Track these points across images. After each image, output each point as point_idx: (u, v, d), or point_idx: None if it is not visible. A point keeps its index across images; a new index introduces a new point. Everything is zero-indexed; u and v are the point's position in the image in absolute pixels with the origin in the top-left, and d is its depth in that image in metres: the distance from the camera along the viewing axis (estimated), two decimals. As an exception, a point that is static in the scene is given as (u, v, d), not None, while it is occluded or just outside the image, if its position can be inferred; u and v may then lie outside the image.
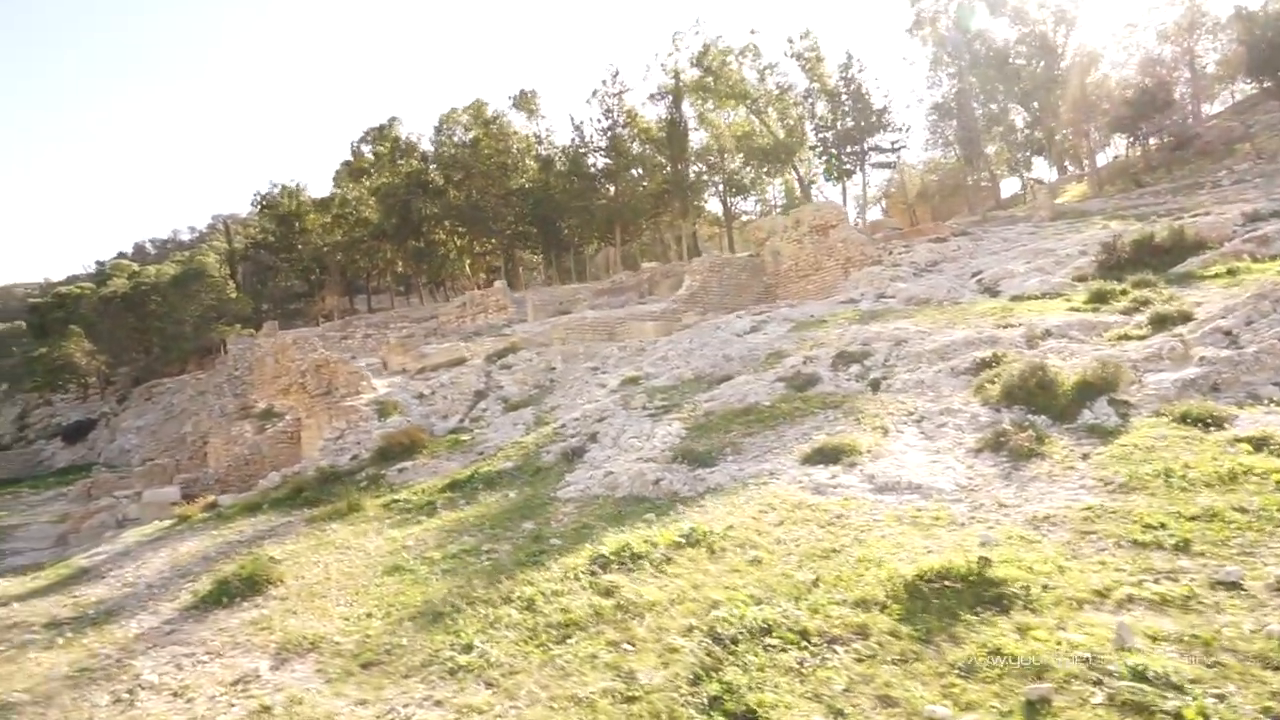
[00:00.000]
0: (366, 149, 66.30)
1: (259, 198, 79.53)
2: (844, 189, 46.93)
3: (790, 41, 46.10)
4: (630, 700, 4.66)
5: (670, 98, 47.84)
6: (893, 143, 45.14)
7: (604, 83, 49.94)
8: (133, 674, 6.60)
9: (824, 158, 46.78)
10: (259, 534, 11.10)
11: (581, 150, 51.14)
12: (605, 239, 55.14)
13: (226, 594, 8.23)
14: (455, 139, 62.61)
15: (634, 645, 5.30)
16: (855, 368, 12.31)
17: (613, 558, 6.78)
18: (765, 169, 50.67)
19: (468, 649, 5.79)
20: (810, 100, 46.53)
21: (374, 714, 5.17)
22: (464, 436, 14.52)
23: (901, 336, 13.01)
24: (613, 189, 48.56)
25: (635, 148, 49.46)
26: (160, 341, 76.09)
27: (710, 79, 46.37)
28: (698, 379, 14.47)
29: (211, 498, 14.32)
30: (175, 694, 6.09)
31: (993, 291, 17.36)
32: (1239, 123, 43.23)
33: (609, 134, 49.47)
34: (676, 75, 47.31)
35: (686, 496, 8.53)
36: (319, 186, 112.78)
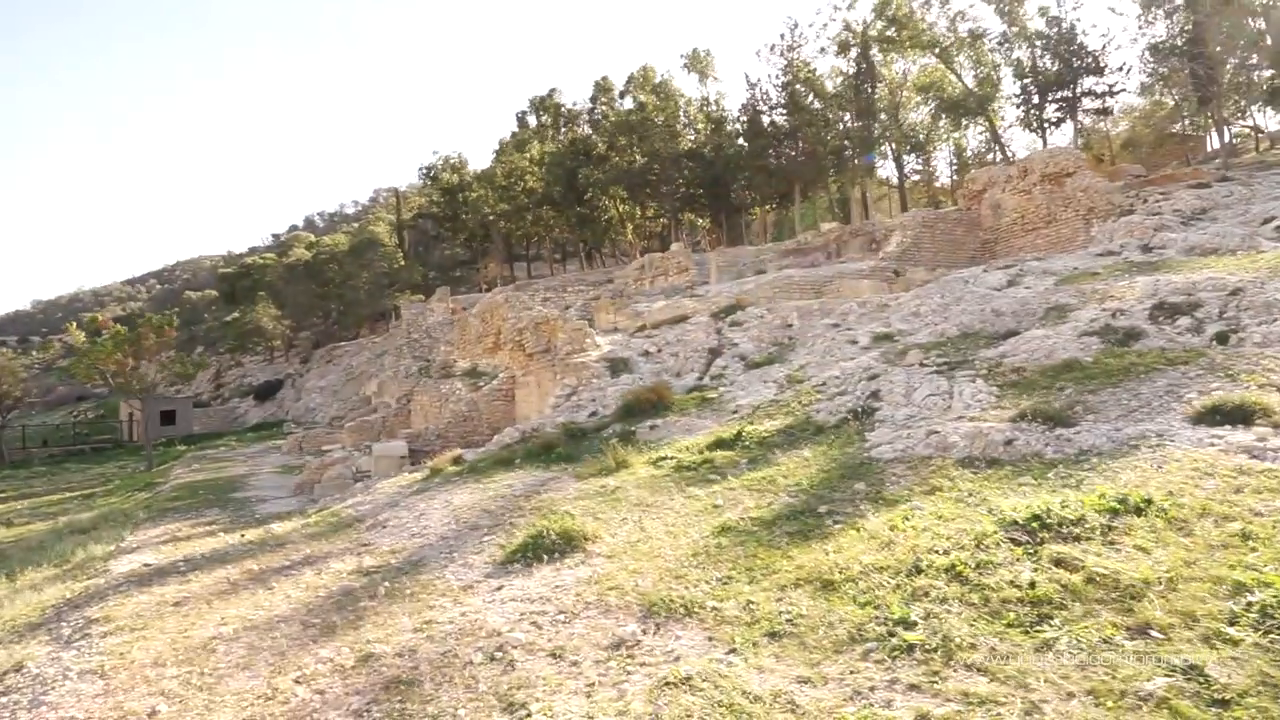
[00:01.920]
0: (531, 118, 66.96)
1: (424, 170, 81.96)
2: (1044, 139, 43.26)
3: (987, -19, 42.50)
4: (1220, 703, 3.63)
5: (857, 48, 45.23)
6: (1110, 86, 41.02)
7: (782, 36, 47.97)
8: (488, 630, 6.11)
9: (1023, 106, 43.17)
10: (530, 488, 10.69)
11: (760, 110, 49.43)
12: (783, 199, 53.38)
13: (543, 549, 7.73)
14: (618, 106, 62.28)
15: (1163, 633, 4.25)
16: (1184, 320, 10.68)
17: (1031, 524, 5.74)
18: (950, 121, 47.45)
19: (906, 624, 4.91)
20: (1007, 45, 42.92)
21: (836, 697, 4.35)
22: (710, 394, 13.78)
23: (1232, 286, 11.22)
24: (792, 149, 46.66)
25: (815, 104, 47.33)
26: (339, 306, 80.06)
27: (894, 30, 43.65)
28: (966, 335, 13.13)
29: (456, 451, 14.21)
30: (553, 655, 5.52)
31: (1301, 239, 15.06)
32: None
33: (788, 90, 47.56)
34: (863, 25, 44.71)
35: (1054, 459, 7.36)
36: (480, 158, 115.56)
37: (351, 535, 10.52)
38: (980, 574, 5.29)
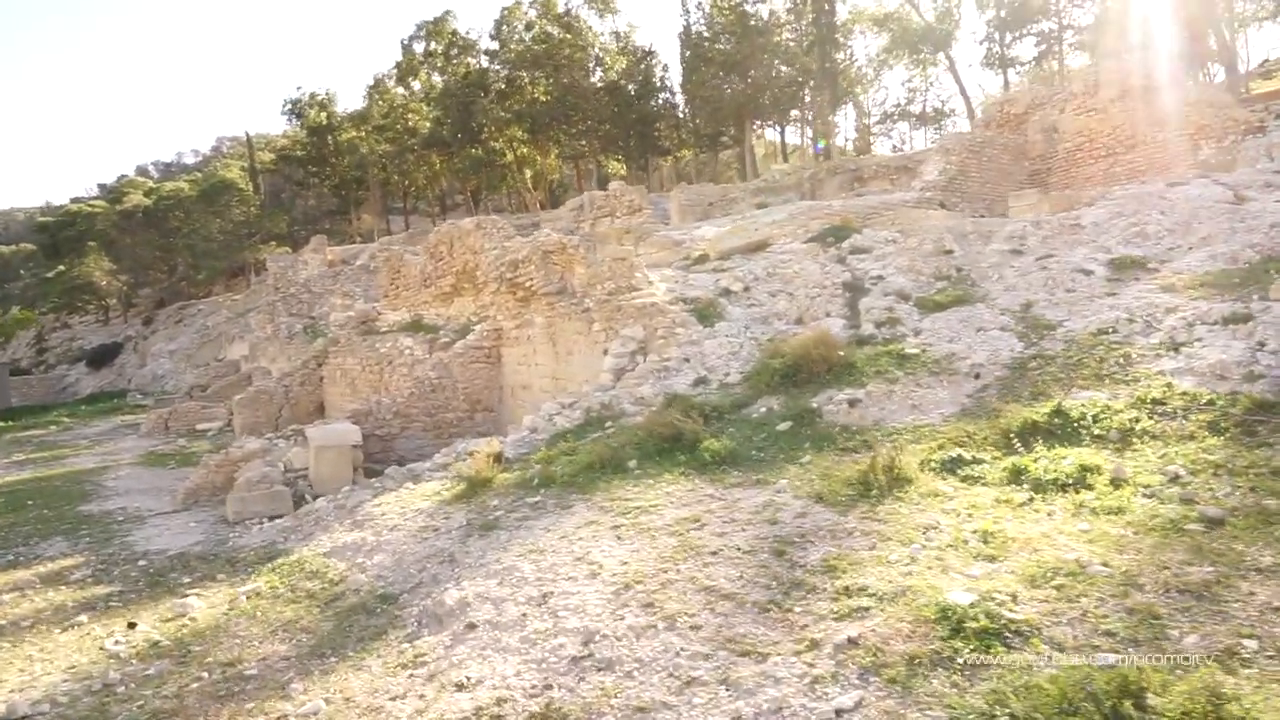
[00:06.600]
0: (418, 45, 59.11)
1: (289, 104, 72.46)
2: (1006, 80, 40.19)
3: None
4: None
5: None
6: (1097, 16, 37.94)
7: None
8: None
9: (986, 43, 39.74)
10: (763, 531, 5.44)
11: (704, 36, 43.72)
12: (712, 142, 48.24)
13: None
14: (519, 37, 55.46)
15: None
16: None
17: None
18: (909, 58, 43.68)
19: None
20: (972, -27, 39.18)
21: None
22: (902, 348, 8.79)
23: None
24: (741, 80, 41.23)
25: (766, 29, 42.07)
26: (190, 259, 69.99)
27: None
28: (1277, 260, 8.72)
29: (494, 445, 8.63)
30: None
31: None
32: None
33: (737, 10, 42.18)
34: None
35: None
36: (354, 99, 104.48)
37: (387, 645, 5.00)
38: None
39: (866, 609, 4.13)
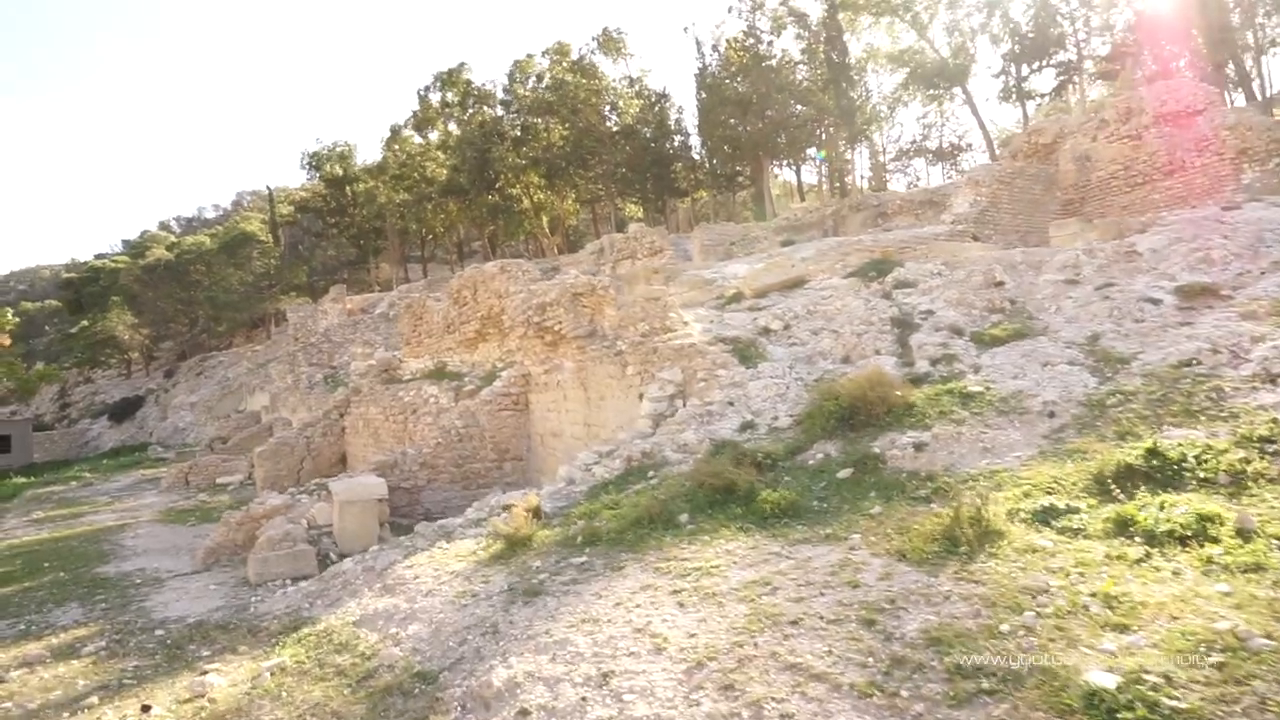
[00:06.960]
0: (435, 95, 59.72)
1: (308, 157, 73.08)
2: (1024, 112, 39.84)
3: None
4: None
5: (824, 7, 40.04)
6: (1117, 45, 37.43)
7: (740, -1, 42.41)
8: None
9: (1003, 76, 39.33)
10: (845, 595, 4.86)
11: (720, 77, 43.67)
12: (729, 182, 48.29)
13: None
14: (531, 86, 55.93)
15: None
16: None
17: None
18: (922, 94, 43.43)
19: None
20: (986, 9, 38.64)
21: None
22: (964, 386, 8.23)
23: None
24: (757, 119, 41.03)
25: (781, 68, 41.97)
26: (211, 311, 70.36)
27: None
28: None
29: (532, 500, 8.11)
30: None
31: None
32: None
33: (750, 52, 42.21)
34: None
35: None
36: (371, 151, 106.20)
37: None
38: None
39: (990, 692, 3.55)
